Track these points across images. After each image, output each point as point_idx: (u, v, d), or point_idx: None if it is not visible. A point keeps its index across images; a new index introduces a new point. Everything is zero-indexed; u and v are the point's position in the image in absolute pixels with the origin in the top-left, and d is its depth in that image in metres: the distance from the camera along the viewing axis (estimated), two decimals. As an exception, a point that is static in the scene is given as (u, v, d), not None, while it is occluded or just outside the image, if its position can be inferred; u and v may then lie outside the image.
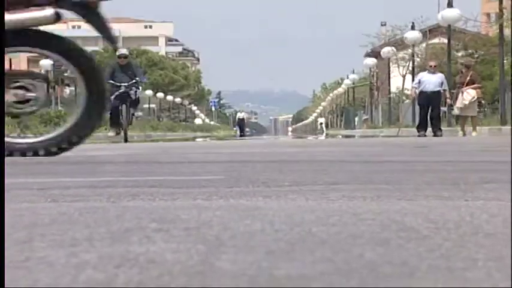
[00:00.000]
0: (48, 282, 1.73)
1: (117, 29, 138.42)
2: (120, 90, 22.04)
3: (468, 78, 26.11)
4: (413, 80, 38.87)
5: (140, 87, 24.39)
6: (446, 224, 2.61)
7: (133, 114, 23.99)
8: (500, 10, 35.32)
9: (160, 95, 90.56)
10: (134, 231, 2.52)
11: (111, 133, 23.35)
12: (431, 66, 28.84)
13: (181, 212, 3.03)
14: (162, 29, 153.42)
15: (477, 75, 28.01)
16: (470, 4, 56.39)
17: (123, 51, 23.67)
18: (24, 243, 2.31)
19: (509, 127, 27.27)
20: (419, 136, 25.66)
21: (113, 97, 20.99)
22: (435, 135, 25.56)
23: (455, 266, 1.86)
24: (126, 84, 22.20)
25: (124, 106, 22.16)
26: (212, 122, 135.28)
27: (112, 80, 21.54)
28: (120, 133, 22.51)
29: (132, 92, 22.42)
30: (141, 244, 2.26)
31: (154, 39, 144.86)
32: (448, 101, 27.22)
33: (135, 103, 23.24)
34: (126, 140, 22.14)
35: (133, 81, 22.50)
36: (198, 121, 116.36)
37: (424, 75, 27.72)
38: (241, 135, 65.97)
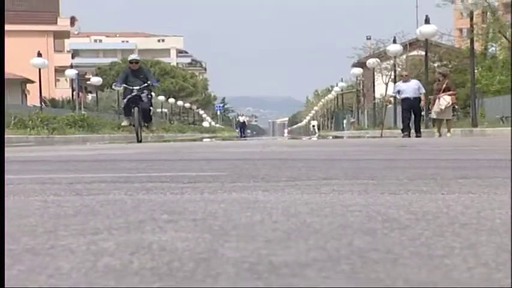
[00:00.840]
0: (70, 268, 1.72)
1: (134, 42, 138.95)
2: (133, 94, 20.72)
3: (444, 85, 26.20)
4: (394, 87, 39.11)
5: (152, 91, 23.23)
6: (425, 215, 2.60)
7: (151, 117, 22.51)
8: (471, 26, 35.51)
9: (171, 100, 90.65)
10: (148, 222, 2.51)
11: (125, 122, 22.29)
12: (402, 76, 29.27)
13: (190, 205, 3.02)
14: (173, 42, 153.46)
15: (452, 83, 28.12)
16: (445, 20, 56.37)
17: (135, 56, 22.54)
18: (50, 232, 2.30)
19: (479, 129, 27.32)
20: (403, 137, 25.69)
21: (125, 100, 20.92)
22: (416, 136, 25.59)
23: (434, 253, 1.85)
24: (138, 87, 20.77)
25: (136, 109, 20.72)
26: (217, 125, 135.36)
27: (125, 84, 20.89)
28: (136, 133, 21.16)
29: (144, 94, 20.98)
30: (154, 233, 2.25)
31: (166, 52, 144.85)
32: (422, 103, 27.30)
33: (148, 105, 21.60)
34: (138, 141, 20.84)
35: (145, 84, 21.01)
36: (205, 124, 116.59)
37: (400, 85, 27.86)
38: (242, 137, 65.89)
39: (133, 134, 22.07)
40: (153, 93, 23.39)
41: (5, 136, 20.24)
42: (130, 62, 21.81)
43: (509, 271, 1.63)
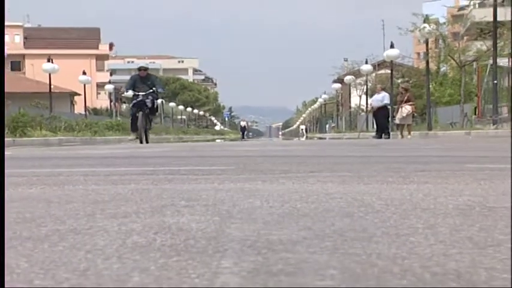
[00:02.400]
0: (104, 245, 1.69)
1: (159, 63, 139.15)
2: (138, 99, 18.05)
3: (406, 97, 26.41)
4: (367, 99, 39.32)
5: (158, 97, 19.62)
6: (393, 201, 2.57)
7: (151, 120, 19.61)
8: (427, 50, 35.68)
9: (189, 109, 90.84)
10: (168, 207, 2.47)
11: (132, 136, 19.86)
12: (377, 88, 29.57)
13: (203, 193, 2.99)
14: (190, 63, 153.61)
15: (412, 95, 28.27)
16: (406, 46, 56.39)
17: (144, 64, 21.01)
18: (89, 215, 2.28)
19: (433, 132, 27.35)
20: (373, 138, 25.75)
21: (131, 105, 18.74)
22: (385, 137, 25.62)
23: (401, 233, 1.82)
24: (143, 93, 18.05)
25: (141, 113, 17.98)
26: (225, 128, 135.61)
27: (133, 90, 18.27)
28: (139, 137, 18.18)
29: (148, 100, 18.13)
30: (173, 216, 2.22)
31: (185, 70, 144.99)
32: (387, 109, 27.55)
33: (153, 111, 18.81)
34: (141, 142, 17.89)
35: (151, 90, 18.20)
36: (216, 127, 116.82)
37: (374, 96, 28.07)
38: (243, 138, 65.85)
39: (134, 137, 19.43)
40: (159, 100, 20.81)
41: (57, 138, 20.21)
42: (139, 69, 19.29)
43: (462, 247, 1.60)
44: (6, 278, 1.32)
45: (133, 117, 18.41)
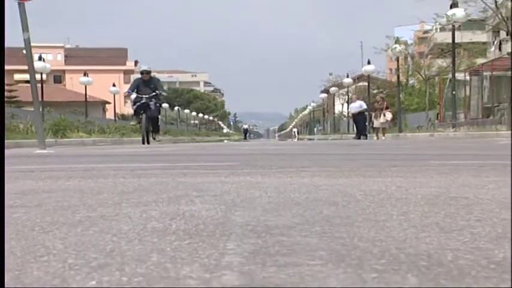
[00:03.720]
0: (128, 229, 1.65)
1: (176, 76, 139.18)
2: (142, 101, 16.12)
3: (384, 105, 26.68)
4: (348, 106, 39.63)
5: (161, 99, 17.26)
6: (371, 192, 2.54)
7: (158, 123, 17.31)
8: (398, 66, 35.88)
9: (200, 115, 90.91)
10: (183, 197, 2.44)
11: (133, 122, 18.13)
12: (354, 96, 29.98)
13: (211, 185, 2.97)
14: (202, 77, 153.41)
15: (388, 104, 28.49)
16: (381, 62, 56.47)
17: (145, 67, 17.18)
18: (116, 204, 2.25)
19: (403, 134, 27.34)
20: (353, 139, 25.79)
21: (135, 106, 16.55)
22: (363, 139, 25.64)
23: (379, 219, 1.79)
24: (147, 96, 16.11)
25: (144, 115, 16.10)
26: (231, 131, 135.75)
27: (136, 93, 16.32)
28: (142, 138, 16.24)
29: (152, 103, 16.20)
30: (187, 205, 2.19)
31: (197, 83, 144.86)
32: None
33: (156, 114, 16.69)
34: (143, 143, 16.01)
35: (154, 93, 16.26)
36: (224, 130, 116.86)
37: (352, 104, 28.24)
38: (245, 139, 65.80)
39: (135, 122, 17.49)
40: (163, 104, 18.80)
41: (91, 139, 20.18)
42: (141, 73, 17.04)
43: (430, 231, 1.57)
44: (43, 259, 1.29)
45: (137, 108, 16.45)
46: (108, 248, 1.40)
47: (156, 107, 16.39)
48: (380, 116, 26.52)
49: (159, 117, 17.28)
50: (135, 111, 16.54)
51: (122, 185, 3.08)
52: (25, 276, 1.14)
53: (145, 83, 16.41)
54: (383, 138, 25.58)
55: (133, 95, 16.33)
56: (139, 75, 17.08)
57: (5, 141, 12.74)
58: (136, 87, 16.46)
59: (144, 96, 16.17)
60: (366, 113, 27.95)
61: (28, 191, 2.80)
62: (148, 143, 16.17)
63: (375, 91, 46.28)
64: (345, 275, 1.11)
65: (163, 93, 16.90)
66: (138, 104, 16.21)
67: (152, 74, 18.13)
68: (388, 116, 26.60)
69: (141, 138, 16.10)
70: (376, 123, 26.97)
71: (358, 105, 27.43)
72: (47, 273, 1.17)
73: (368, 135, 27.20)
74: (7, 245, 1.46)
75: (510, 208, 1.97)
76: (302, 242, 1.44)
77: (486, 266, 1.19)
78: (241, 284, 1.06)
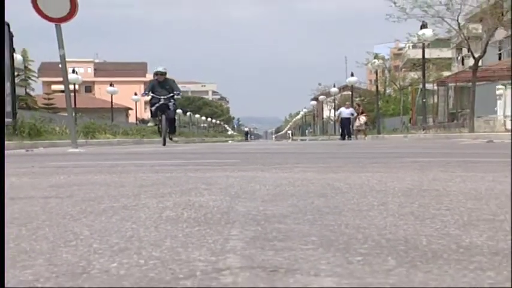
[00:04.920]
0: (145, 218, 1.63)
1: (189, 86, 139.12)
2: (160, 102, 13.89)
3: (360, 110, 26.90)
4: (334, 112, 39.78)
5: (176, 101, 14.91)
6: (355, 185, 2.51)
7: (174, 123, 14.94)
8: (376, 78, 35.91)
9: (209, 119, 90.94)
10: (193, 190, 2.41)
11: (151, 123, 15.57)
12: (346, 104, 30.02)
13: (218, 179, 2.94)
14: (210, 86, 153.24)
15: (364, 108, 28.74)
16: (362, 75, 56.51)
17: (160, 68, 14.48)
18: (135, 195, 2.21)
19: (381, 135, 27.32)
20: (339, 139, 25.78)
21: (153, 108, 14.25)
22: (348, 139, 25.64)
23: (362, 208, 1.76)
24: (165, 97, 13.89)
25: (163, 116, 13.90)
26: (234, 133, 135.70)
27: (152, 94, 14.05)
28: (162, 139, 13.85)
29: (170, 103, 14.05)
30: (197, 196, 2.16)
31: (206, 92, 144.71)
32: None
33: (173, 115, 14.42)
34: (164, 144, 13.60)
35: (171, 94, 14.01)
36: (228, 132, 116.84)
37: (342, 110, 28.13)
38: (247, 140, 65.70)
39: (153, 124, 15.22)
40: (177, 110, 15.35)
41: (116, 139, 20.14)
42: (156, 74, 14.54)
43: (407, 219, 1.54)
44: (72, 244, 1.26)
45: (156, 110, 14.21)
46: (128, 234, 1.37)
47: (173, 108, 14.34)
48: (357, 119, 26.91)
49: (176, 117, 15.15)
50: (154, 112, 14.37)
51: (141, 179, 3.05)
52: (55, 259, 1.12)
53: (161, 84, 14.20)
54: (365, 139, 25.56)
55: (150, 96, 14.26)
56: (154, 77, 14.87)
57: (37, 141, 12.70)
58: (152, 88, 14.26)
59: (162, 97, 14.01)
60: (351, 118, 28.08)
61: (61, 184, 2.77)
62: (164, 144, 13.97)
63: (357, 99, 46.28)
64: (334, 258, 1.09)
65: (180, 94, 14.62)
66: (157, 105, 14.10)
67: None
68: (362, 119, 26.99)
69: (161, 139, 13.90)
70: (355, 126, 27.27)
71: (350, 112, 27.50)
72: (74, 255, 1.14)
73: (352, 136, 27.25)
74: (41, 231, 1.43)
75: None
76: (296, 229, 1.41)
77: (456, 250, 1.17)
78: (243, 265, 1.04)
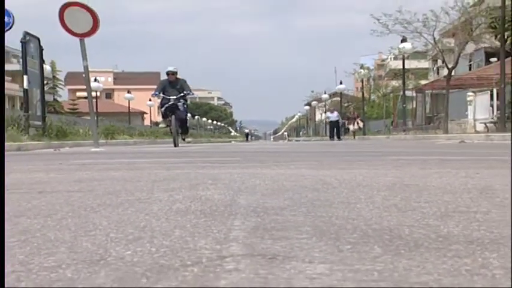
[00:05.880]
0: (157, 210, 1.60)
1: (197, 93, 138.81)
2: (170, 103, 12.09)
3: (357, 115, 27.27)
4: (325, 116, 40.13)
5: (188, 100, 12.95)
6: (344, 181, 2.48)
7: (186, 124, 12.93)
8: (362, 85, 35.92)
9: (214, 122, 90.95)
10: (200, 184, 2.39)
11: (162, 124, 13.27)
12: (331, 109, 30.32)
13: (222, 175, 2.91)
14: (216, 93, 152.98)
15: (359, 114, 28.87)
16: (350, 83, 56.47)
17: (171, 68, 12.50)
18: (149, 190, 2.19)
19: (367, 136, 27.30)
20: (330, 140, 25.77)
21: (163, 109, 12.36)
22: (337, 140, 25.64)
23: (351, 202, 1.73)
24: (174, 97, 12.08)
25: (173, 116, 12.05)
26: (237, 134, 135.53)
27: (163, 94, 12.24)
28: (173, 140, 12.03)
29: (180, 103, 12.18)
30: (203, 190, 2.13)
31: (212, 98, 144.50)
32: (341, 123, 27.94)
33: (184, 115, 12.48)
34: (175, 145, 11.82)
35: (181, 94, 12.18)
36: (232, 134, 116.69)
37: (328, 114, 28.39)
38: (247, 140, 65.58)
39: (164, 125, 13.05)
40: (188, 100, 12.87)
41: (132, 140, 20.10)
42: (167, 73, 12.54)
43: (390, 211, 1.51)
44: (91, 233, 1.24)
45: (165, 110, 12.36)
46: (141, 224, 1.35)
47: (184, 108, 12.39)
48: (354, 123, 27.31)
49: (187, 118, 13.01)
50: (163, 113, 12.51)
51: (155, 175, 3.03)
52: (76, 247, 1.09)
53: (172, 84, 12.32)
54: (355, 139, 25.62)
55: (161, 97, 12.46)
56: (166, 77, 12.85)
57: (64, 141, 12.66)
58: (163, 88, 12.39)
59: (171, 97, 12.17)
60: (340, 122, 28.18)
61: (83, 179, 2.75)
62: (177, 145, 12.06)
63: (346, 104, 46.30)
64: (326, 246, 1.07)
65: (191, 94, 12.73)
66: (166, 106, 12.26)
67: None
68: (360, 123, 27.52)
69: (172, 140, 12.15)
70: (351, 128, 27.58)
71: (335, 115, 27.71)
72: (93, 244, 1.12)
73: (341, 137, 27.26)
74: (64, 221, 1.41)
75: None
76: (292, 220, 1.39)
77: (435, 238, 1.14)
78: (245, 253, 1.02)
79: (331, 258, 0.97)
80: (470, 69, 33.41)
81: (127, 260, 0.97)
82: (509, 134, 13.61)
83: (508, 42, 17.14)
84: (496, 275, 0.86)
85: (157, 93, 12.53)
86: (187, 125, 12.82)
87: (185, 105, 12.48)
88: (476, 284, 0.82)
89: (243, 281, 0.83)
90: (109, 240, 1.15)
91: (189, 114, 13.96)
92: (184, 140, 13.13)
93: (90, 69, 9.96)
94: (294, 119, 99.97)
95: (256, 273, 0.87)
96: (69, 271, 0.91)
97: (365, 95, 38.17)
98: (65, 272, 0.90)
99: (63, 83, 61.29)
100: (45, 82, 15.90)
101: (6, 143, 10.01)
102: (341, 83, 37.92)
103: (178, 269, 0.91)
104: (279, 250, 1.04)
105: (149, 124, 45.72)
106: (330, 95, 50.89)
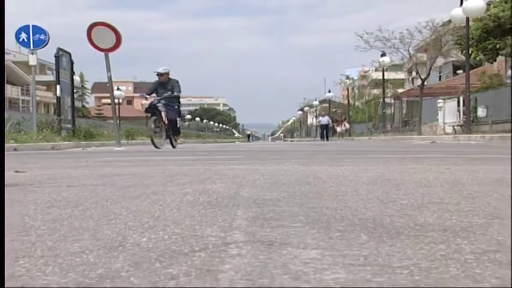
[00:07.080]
0: (170, 201, 1.58)
1: (205, 100, 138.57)
2: (154, 103, 9.68)
3: (343, 118, 27.30)
4: (316, 119, 40.07)
5: (174, 98, 9.86)
6: (333, 175, 2.46)
7: (173, 123, 9.93)
8: (348, 93, 35.90)
9: (220, 125, 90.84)
10: (208, 179, 2.36)
11: (152, 125, 9.58)
12: (322, 113, 30.28)
13: (227, 171, 2.89)
14: (221, 100, 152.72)
15: (345, 117, 28.88)
16: (337, 91, 56.33)
17: (160, 69, 9.98)
18: (163, 184, 2.17)
19: (352, 137, 27.25)
20: (321, 140, 25.73)
21: (151, 106, 9.75)
22: (326, 140, 25.60)
23: (339, 194, 1.70)
24: (159, 98, 9.69)
25: (153, 118, 9.72)
26: (240, 135, 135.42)
27: (156, 95, 9.83)
28: (159, 127, 9.72)
29: (160, 104, 9.69)
30: (210, 184, 2.10)
31: (218, 104, 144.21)
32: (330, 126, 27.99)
33: (175, 114, 9.96)
34: (173, 146, 9.98)
35: (166, 94, 9.73)
36: (235, 135, 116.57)
37: (320, 118, 28.40)
38: (249, 141, 65.43)
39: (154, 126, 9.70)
40: (196, 118, 10.05)
41: (148, 141, 20.07)
42: (157, 74, 10.01)
43: (373, 203, 1.49)
44: (112, 222, 1.22)
45: (155, 115, 9.76)
46: (156, 214, 1.33)
47: (174, 109, 9.94)
48: (341, 125, 27.39)
49: (178, 119, 10.19)
50: (152, 111, 9.80)
51: (168, 170, 3.00)
52: (98, 234, 1.07)
53: (163, 85, 9.92)
54: (342, 140, 25.60)
55: (149, 100, 9.97)
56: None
57: (90, 141, 12.65)
58: (155, 89, 10.03)
59: (158, 98, 9.83)
60: (330, 125, 28.24)
61: (107, 175, 2.72)
62: (174, 146, 10.01)
63: (334, 110, 46.26)
64: (318, 234, 1.04)
65: (176, 93, 9.91)
66: (146, 107, 9.96)
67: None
68: (347, 125, 27.63)
69: (153, 125, 9.70)
70: (338, 130, 27.57)
71: (326, 119, 27.87)
72: (113, 232, 1.10)
73: (330, 138, 27.26)
74: (89, 211, 1.38)
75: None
76: (287, 210, 1.37)
77: (413, 227, 1.12)
78: (246, 240, 0.99)
79: (322, 244, 0.95)
80: (440, 79, 33.45)
81: (143, 246, 0.95)
82: (473, 135, 13.56)
83: (471, 56, 17.27)
84: (468, 260, 0.84)
85: (146, 95, 10.08)
86: (178, 125, 10.25)
87: (175, 106, 10.06)
88: (450, 267, 0.79)
89: (245, 266, 0.80)
90: (127, 228, 1.13)
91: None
92: (176, 141, 10.28)
93: (113, 80, 9.94)
94: (289, 122, 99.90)
95: (257, 258, 0.85)
96: (91, 256, 0.88)
97: (350, 101, 38.17)
98: (88, 256, 0.88)
99: (90, 92, 61.32)
100: (75, 91, 15.94)
101: (41, 143, 10.04)
102: (329, 91, 37.94)
103: (188, 254, 0.88)
104: (277, 237, 1.01)
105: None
106: (320, 102, 50.90)
